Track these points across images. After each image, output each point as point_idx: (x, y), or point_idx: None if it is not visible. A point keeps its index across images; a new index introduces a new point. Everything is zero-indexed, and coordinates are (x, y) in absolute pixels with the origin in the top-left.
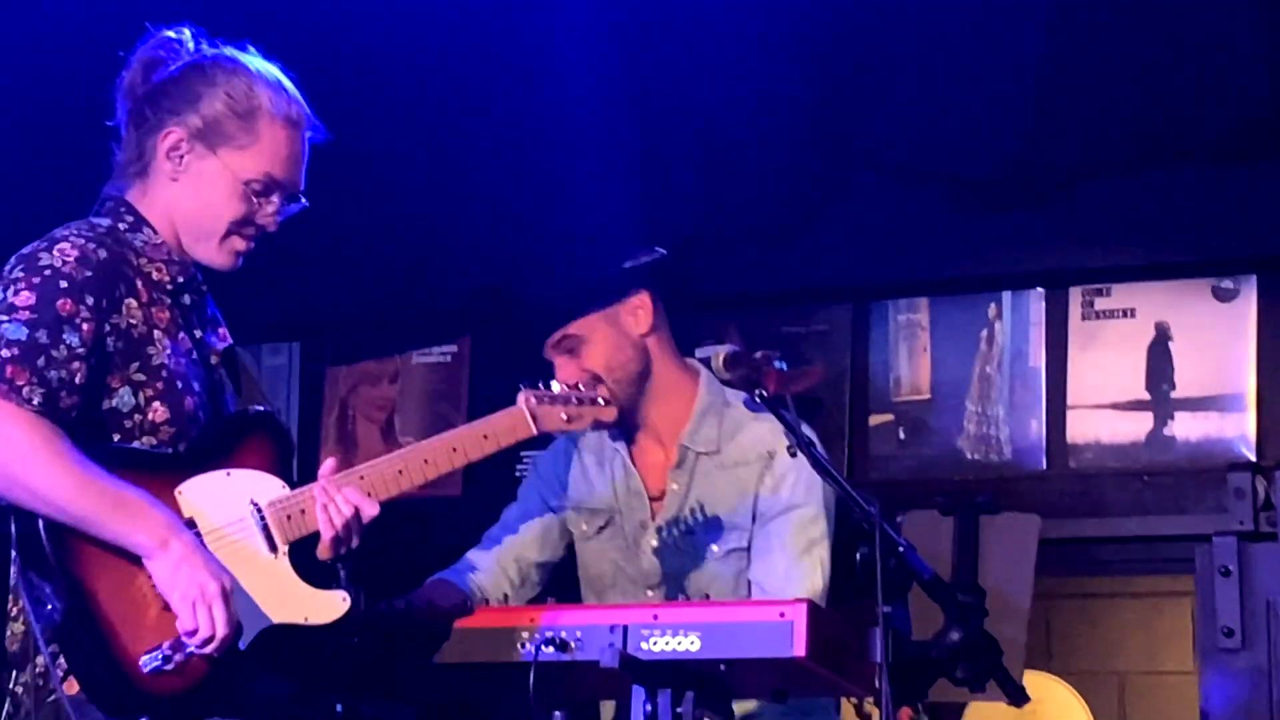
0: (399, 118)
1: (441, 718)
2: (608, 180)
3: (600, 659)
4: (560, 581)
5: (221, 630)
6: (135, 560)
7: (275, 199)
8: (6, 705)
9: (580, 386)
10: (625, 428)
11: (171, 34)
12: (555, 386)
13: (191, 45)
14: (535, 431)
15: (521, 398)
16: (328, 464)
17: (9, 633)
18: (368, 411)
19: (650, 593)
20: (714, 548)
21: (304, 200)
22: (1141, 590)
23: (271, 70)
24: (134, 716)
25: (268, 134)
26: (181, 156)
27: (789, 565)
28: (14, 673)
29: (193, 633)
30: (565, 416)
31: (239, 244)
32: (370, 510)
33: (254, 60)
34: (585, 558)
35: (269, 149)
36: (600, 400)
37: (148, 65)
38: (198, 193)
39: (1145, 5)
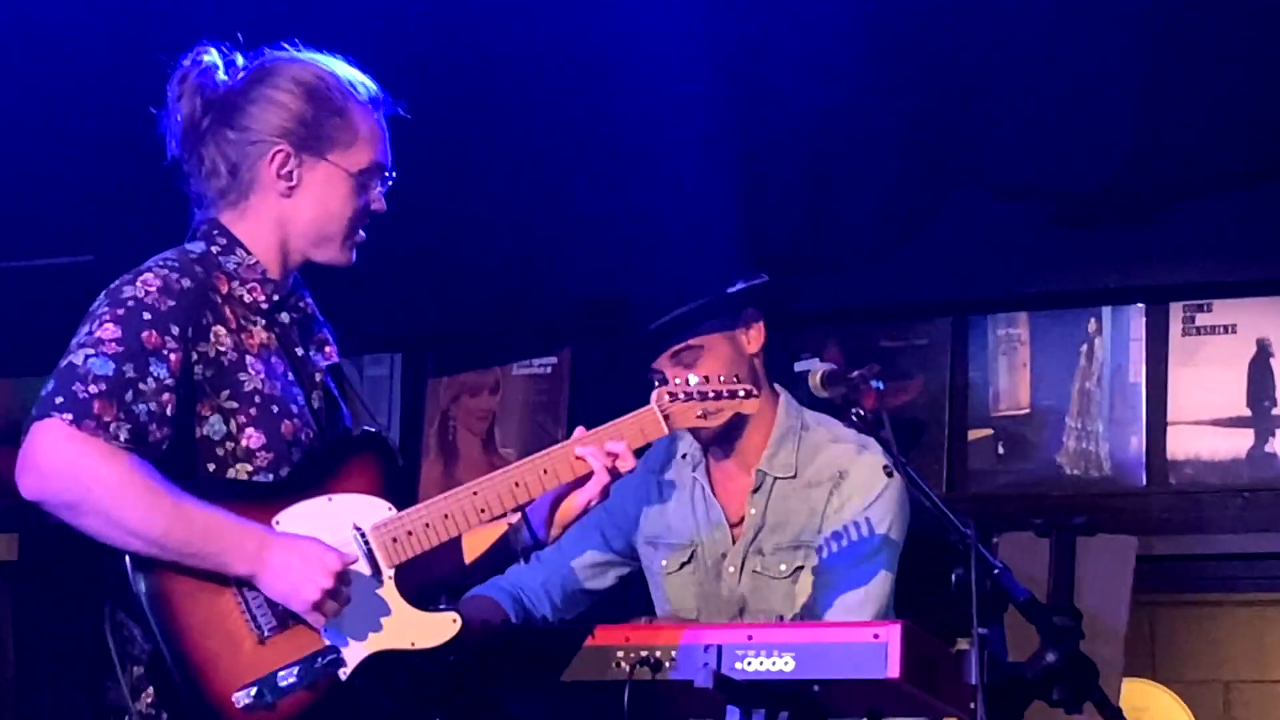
0: (501, 130)
1: None
2: (708, 195)
3: (694, 679)
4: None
5: (336, 615)
6: (226, 596)
7: (379, 181)
8: None
9: (721, 378)
10: (707, 455)
11: (207, 57)
12: (693, 380)
13: (240, 60)
14: (667, 431)
15: (655, 396)
16: (579, 430)
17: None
18: (468, 423)
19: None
20: (783, 568)
21: (393, 175)
22: (1248, 600)
23: (331, 60)
24: None
25: (363, 123)
26: (291, 172)
27: (852, 598)
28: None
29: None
30: (701, 413)
31: (359, 237)
32: (627, 465)
33: (312, 56)
34: (669, 593)
35: (368, 137)
36: (741, 393)
37: (199, 91)
38: (317, 202)
39: (1247, 21)
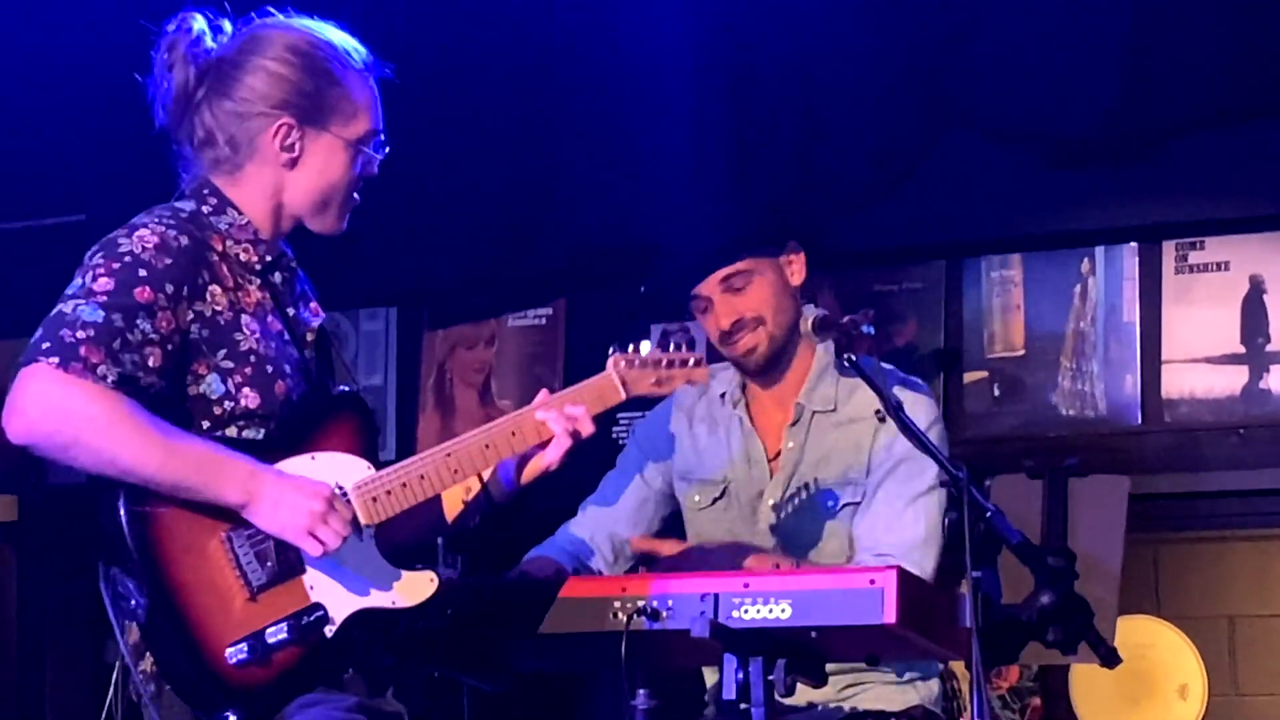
0: (493, 82)
1: (538, 686)
2: (701, 143)
3: (691, 628)
4: None
5: (334, 543)
6: (218, 552)
7: (374, 147)
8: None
9: (672, 347)
10: (746, 392)
11: (194, 24)
12: (645, 348)
13: (228, 26)
14: (624, 397)
15: (611, 362)
16: (542, 393)
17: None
18: (465, 375)
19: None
20: (829, 504)
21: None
22: (1249, 536)
23: (321, 26)
24: (221, 710)
25: (360, 92)
26: (294, 145)
27: (890, 517)
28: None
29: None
30: (655, 380)
31: (353, 203)
32: (587, 429)
33: (303, 22)
34: (699, 529)
35: (365, 105)
36: (691, 362)
37: (192, 60)
38: (319, 172)
39: None
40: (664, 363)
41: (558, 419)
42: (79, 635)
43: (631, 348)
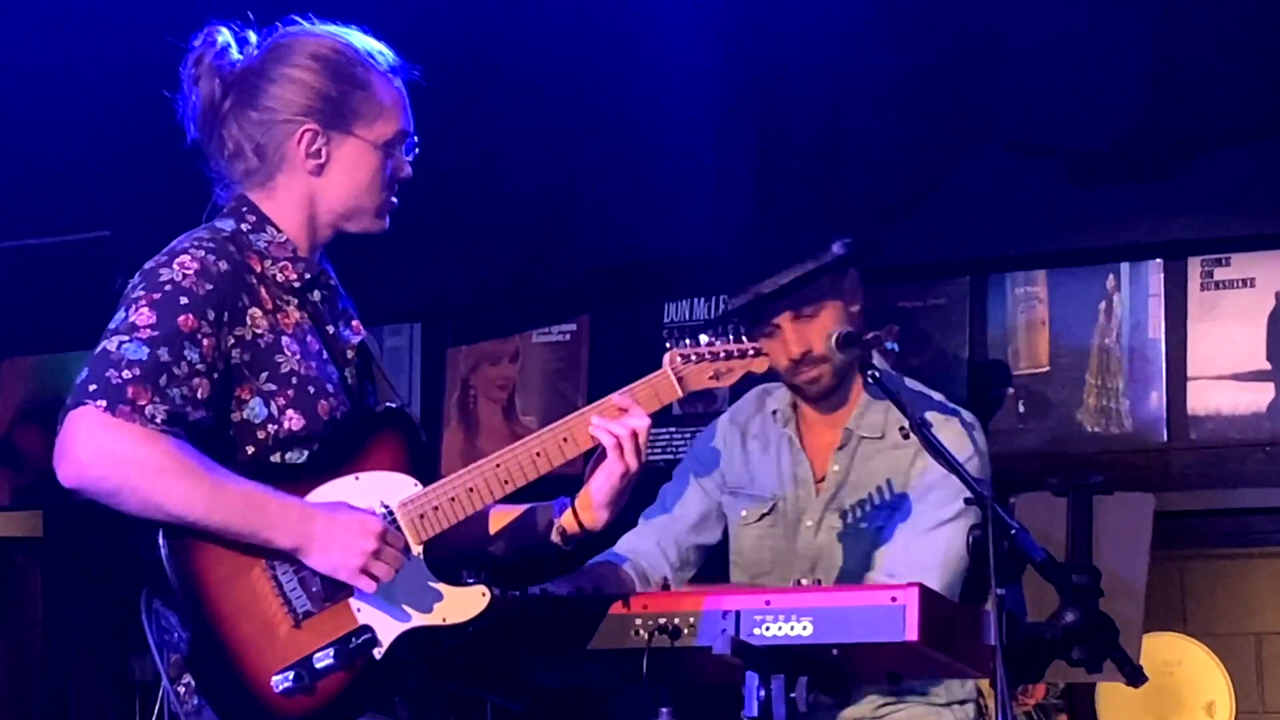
0: (515, 99)
1: (558, 703)
2: (724, 158)
3: (713, 646)
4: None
5: (389, 577)
6: (261, 581)
7: (404, 149)
8: None
9: (730, 338)
10: (797, 412)
11: (219, 36)
12: (703, 340)
13: (253, 37)
14: (680, 394)
15: (667, 359)
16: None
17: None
18: (489, 391)
19: (805, 580)
20: (864, 525)
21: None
22: (1276, 553)
23: (346, 31)
24: None
25: (385, 94)
26: (320, 150)
27: (907, 542)
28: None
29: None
30: (714, 373)
31: (391, 203)
32: (641, 423)
33: (327, 28)
34: (742, 544)
35: (391, 107)
36: (750, 352)
37: (217, 73)
38: (347, 177)
39: None
40: (721, 354)
41: (611, 425)
42: (104, 651)
43: (688, 341)
